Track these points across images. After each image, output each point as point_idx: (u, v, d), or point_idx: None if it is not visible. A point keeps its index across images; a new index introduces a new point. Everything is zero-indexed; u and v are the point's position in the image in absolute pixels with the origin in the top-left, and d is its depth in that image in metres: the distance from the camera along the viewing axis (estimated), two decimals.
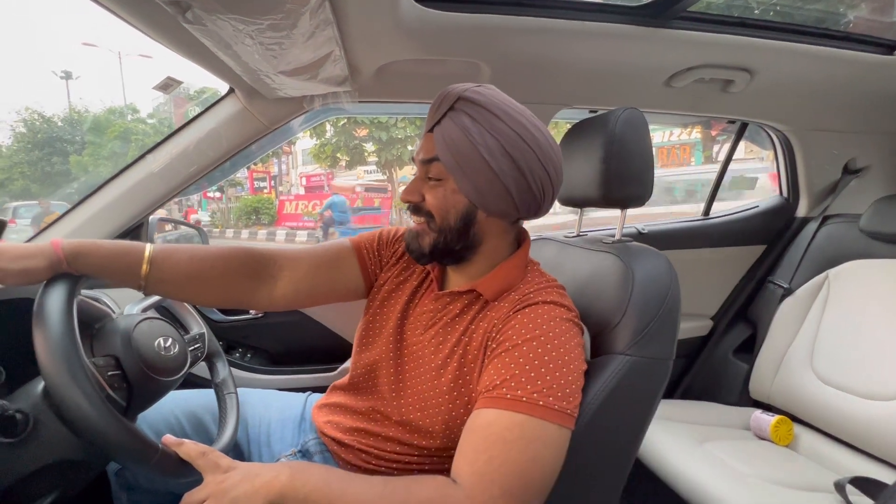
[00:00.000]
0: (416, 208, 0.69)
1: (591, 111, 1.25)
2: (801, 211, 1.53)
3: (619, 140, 0.77)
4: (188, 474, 0.58)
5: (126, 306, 0.81)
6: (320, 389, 1.01)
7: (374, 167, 13.48)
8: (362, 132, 11.82)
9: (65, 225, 1.00)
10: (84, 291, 0.76)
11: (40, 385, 0.59)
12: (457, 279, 0.76)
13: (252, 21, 0.61)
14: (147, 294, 0.74)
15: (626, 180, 0.78)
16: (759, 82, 1.12)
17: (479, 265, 0.72)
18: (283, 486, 0.54)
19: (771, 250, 1.51)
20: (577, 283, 0.79)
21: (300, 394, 0.97)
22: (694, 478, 1.01)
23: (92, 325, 0.70)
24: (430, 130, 0.66)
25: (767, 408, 1.30)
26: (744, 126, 1.53)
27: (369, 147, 12.14)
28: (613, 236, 0.85)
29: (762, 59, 1.05)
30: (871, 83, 1.21)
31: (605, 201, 0.81)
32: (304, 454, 0.81)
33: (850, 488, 0.97)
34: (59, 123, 14.89)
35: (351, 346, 1.24)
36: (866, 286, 1.18)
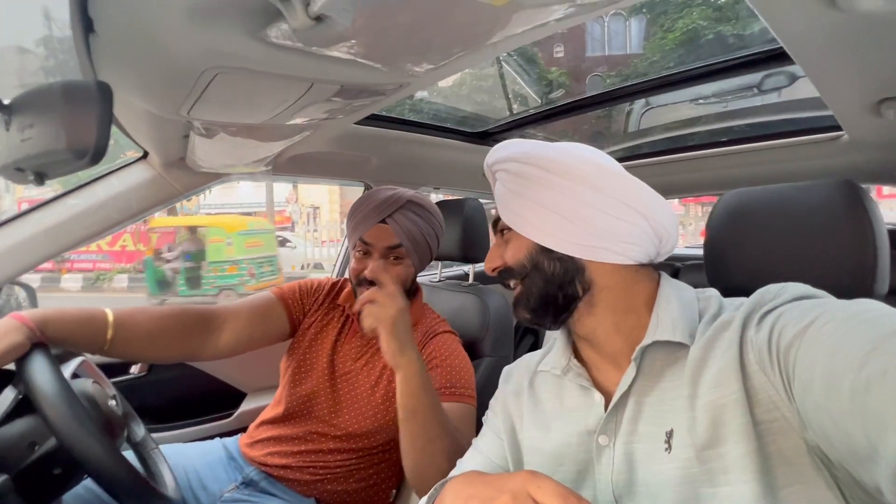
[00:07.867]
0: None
1: (434, 188, 1.72)
2: None
3: (471, 220, 1.22)
4: None
5: None
6: (223, 435, 1.09)
7: None
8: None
9: None
10: None
11: None
12: None
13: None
14: (108, 355, 0.76)
15: (475, 246, 1.23)
16: None
17: None
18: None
19: None
20: (449, 314, 1.18)
21: (211, 440, 1.04)
22: None
23: None
24: (383, 221, 0.92)
25: None
26: None
27: None
28: (466, 281, 1.29)
29: None
30: None
31: (463, 258, 1.23)
32: (249, 484, 0.92)
33: None
34: None
35: (238, 392, 1.35)
36: None
